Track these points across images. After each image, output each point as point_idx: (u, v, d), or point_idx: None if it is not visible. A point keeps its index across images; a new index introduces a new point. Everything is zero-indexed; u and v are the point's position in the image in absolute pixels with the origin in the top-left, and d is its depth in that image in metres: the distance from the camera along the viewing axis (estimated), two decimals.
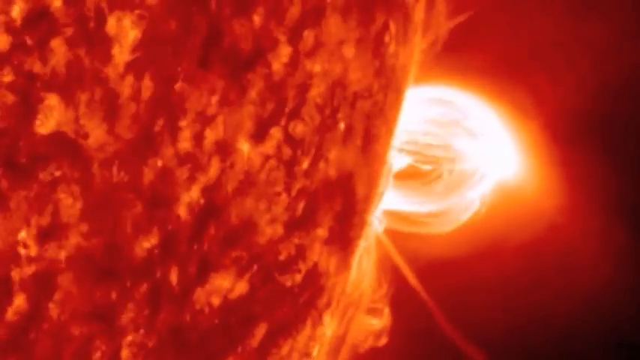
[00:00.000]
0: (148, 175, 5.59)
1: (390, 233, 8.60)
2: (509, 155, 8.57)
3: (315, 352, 7.58)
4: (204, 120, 5.78)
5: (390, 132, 7.67)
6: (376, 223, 8.39)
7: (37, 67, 5.07)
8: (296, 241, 6.70)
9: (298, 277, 6.83)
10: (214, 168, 5.92)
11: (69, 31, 5.13)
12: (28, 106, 5.08)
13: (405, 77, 7.64)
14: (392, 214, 8.62)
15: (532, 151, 8.42)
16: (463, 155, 8.57)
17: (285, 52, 6.15)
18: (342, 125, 6.78)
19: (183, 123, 5.68)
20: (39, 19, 5.05)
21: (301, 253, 6.80)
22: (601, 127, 8.27)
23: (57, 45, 5.10)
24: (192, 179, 5.81)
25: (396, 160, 8.29)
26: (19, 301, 5.27)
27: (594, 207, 8.43)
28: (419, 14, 7.60)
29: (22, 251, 5.23)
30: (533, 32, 8.19)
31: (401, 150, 8.40)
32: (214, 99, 5.79)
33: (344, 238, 7.26)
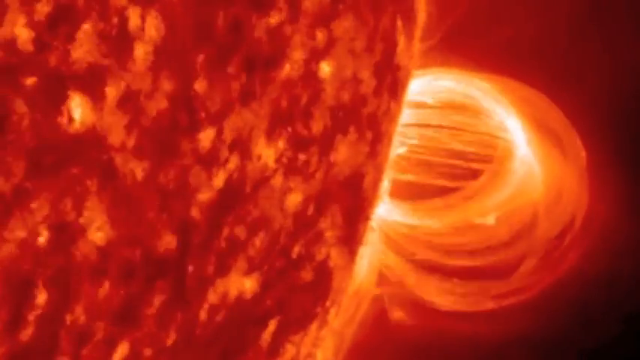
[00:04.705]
0: (169, 173, 5.57)
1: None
2: (529, 156, 8.49)
3: (319, 352, 7.58)
4: (223, 118, 5.78)
5: (393, 131, 7.71)
6: (376, 223, 8.38)
7: (61, 65, 5.04)
8: (307, 238, 6.71)
9: (309, 275, 6.83)
10: (232, 166, 5.91)
11: (92, 29, 5.11)
12: (52, 104, 5.04)
13: (409, 76, 7.68)
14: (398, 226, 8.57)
15: (557, 149, 8.38)
16: (477, 156, 8.50)
17: (299, 51, 6.16)
18: (352, 125, 6.80)
19: (202, 121, 5.67)
20: (63, 16, 5.03)
21: (312, 251, 6.80)
22: (628, 125, 8.27)
23: (81, 42, 5.08)
24: (210, 176, 5.80)
25: (397, 160, 8.29)
26: (41, 301, 5.23)
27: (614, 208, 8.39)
28: (422, 11, 7.64)
29: (44, 251, 5.19)
30: (551, 25, 8.20)
31: (402, 150, 8.39)
32: (233, 97, 5.79)
33: (351, 236, 7.28)
